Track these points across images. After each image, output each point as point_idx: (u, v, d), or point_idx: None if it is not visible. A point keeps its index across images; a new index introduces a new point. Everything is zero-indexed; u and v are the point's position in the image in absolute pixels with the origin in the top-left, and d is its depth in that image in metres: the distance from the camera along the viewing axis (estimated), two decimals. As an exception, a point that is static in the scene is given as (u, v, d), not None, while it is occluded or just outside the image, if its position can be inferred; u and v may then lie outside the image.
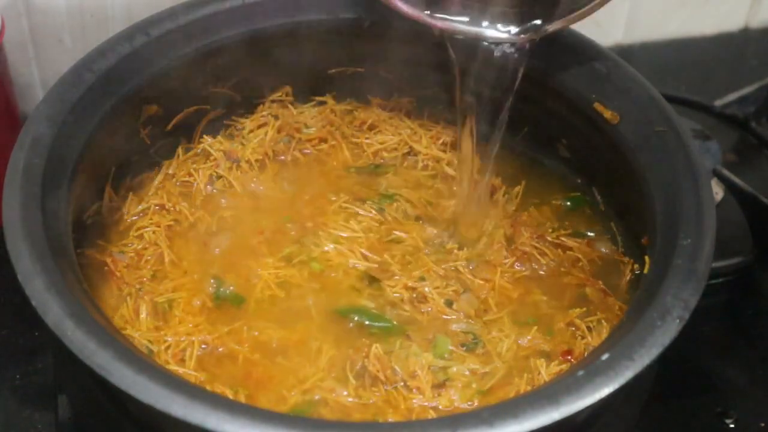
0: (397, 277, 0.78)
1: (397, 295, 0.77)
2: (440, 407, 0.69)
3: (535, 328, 0.75)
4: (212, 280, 0.77)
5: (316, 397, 0.69)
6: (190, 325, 0.73)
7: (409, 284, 0.77)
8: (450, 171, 0.88)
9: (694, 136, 0.77)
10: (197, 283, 0.77)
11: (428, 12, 0.77)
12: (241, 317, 0.75)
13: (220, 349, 0.72)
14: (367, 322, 0.75)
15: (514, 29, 0.76)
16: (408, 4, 0.78)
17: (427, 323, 0.75)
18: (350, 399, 0.69)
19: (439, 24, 0.77)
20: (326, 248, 0.80)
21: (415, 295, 0.77)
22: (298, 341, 0.73)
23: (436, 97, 0.94)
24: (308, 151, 0.90)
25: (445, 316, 0.76)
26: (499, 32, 0.77)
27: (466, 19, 0.77)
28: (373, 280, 0.78)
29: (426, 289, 0.77)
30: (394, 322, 0.75)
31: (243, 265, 0.79)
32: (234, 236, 0.82)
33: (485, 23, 0.77)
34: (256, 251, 0.80)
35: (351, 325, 0.75)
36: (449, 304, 0.76)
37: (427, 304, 0.77)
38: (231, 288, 0.77)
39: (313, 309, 0.76)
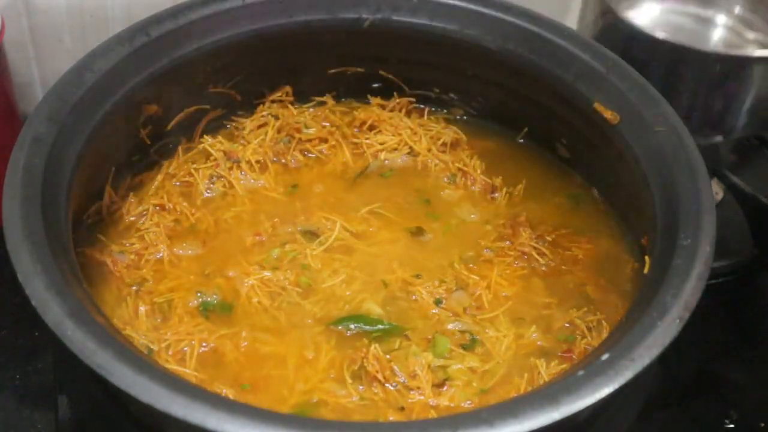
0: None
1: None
2: (443, 404, 0.69)
3: (534, 326, 0.75)
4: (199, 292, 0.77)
5: (316, 399, 0.69)
6: (191, 325, 0.73)
7: (405, 278, 0.78)
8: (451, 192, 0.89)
9: (694, 136, 0.77)
10: (196, 283, 0.77)
11: None
12: (239, 318, 0.75)
13: (220, 349, 0.72)
14: (365, 327, 0.75)
15: None
16: None
17: (423, 323, 0.75)
18: (350, 399, 0.69)
19: None
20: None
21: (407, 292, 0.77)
22: (298, 342, 0.73)
23: (436, 97, 0.94)
24: (308, 152, 0.90)
25: (433, 311, 0.76)
26: None
27: None
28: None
29: (419, 289, 0.77)
30: (392, 324, 0.75)
31: (242, 265, 0.79)
32: (233, 237, 0.82)
33: None
34: (255, 252, 0.80)
35: (351, 325, 0.75)
36: (438, 302, 0.76)
37: (416, 301, 0.77)
38: (217, 298, 0.76)
39: (313, 310, 0.76)
